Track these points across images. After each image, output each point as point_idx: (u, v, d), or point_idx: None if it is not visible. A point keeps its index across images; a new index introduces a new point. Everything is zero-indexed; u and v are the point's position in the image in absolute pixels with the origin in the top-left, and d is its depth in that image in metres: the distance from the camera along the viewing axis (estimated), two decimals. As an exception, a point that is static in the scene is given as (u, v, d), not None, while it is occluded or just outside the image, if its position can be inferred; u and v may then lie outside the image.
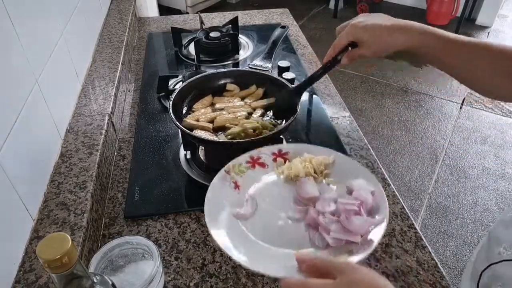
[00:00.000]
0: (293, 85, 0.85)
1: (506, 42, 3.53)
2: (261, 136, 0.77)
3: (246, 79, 0.94)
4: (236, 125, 0.82)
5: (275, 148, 0.70)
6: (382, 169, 0.86)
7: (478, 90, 0.66)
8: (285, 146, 0.67)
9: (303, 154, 0.68)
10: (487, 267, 0.62)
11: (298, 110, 0.78)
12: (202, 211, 0.77)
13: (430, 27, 0.64)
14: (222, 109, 0.88)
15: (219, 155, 0.79)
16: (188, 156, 0.88)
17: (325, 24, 3.88)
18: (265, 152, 0.69)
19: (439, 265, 0.67)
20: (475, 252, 0.72)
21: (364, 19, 0.67)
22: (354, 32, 0.66)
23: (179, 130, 0.80)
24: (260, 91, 0.93)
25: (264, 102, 0.90)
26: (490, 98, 0.67)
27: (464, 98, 2.76)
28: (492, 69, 0.62)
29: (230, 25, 1.36)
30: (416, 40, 0.63)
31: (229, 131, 0.80)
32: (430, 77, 2.97)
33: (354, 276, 0.42)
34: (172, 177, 0.84)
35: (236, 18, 1.37)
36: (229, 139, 0.79)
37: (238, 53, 1.29)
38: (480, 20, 3.75)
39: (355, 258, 0.50)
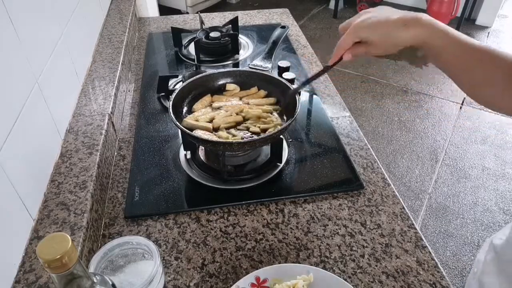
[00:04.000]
0: (293, 86, 0.85)
1: (506, 42, 3.53)
2: (261, 137, 0.77)
3: (246, 79, 0.94)
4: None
5: (252, 277, 0.62)
6: (382, 169, 0.87)
7: (476, 97, 0.63)
8: (261, 272, 0.62)
9: (281, 278, 0.62)
10: None
11: (297, 111, 0.78)
12: (202, 211, 0.77)
13: (439, 23, 0.60)
14: (219, 108, 0.88)
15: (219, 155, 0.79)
16: (188, 156, 0.88)
17: (325, 24, 3.88)
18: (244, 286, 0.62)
19: (439, 265, 0.67)
20: (479, 265, 0.72)
21: (367, 16, 0.62)
22: (359, 32, 0.62)
23: (179, 130, 0.80)
24: (262, 93, 0.93)
25: (262, 101, 0.90)
26: (487, 108, 0.64)
27: (464, 98, 2.75)
28: (496, 78, 0.58)
29: (230, 25, 1.36)
30: (425, 36, 0.59)
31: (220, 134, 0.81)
32: (430, 77, 2.97)
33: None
34: (172, 177, 0.84)
35: (236, 18, 1.37)
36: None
37: (238, 53, 1.29)
38: (480, 20, 3.75)
39: None
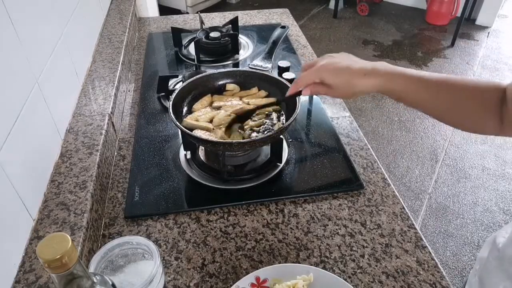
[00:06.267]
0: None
1: (506, 42, 3.52)
2: (261, 137, 0.77)
3: (246, 79, 0.94)
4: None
5: (252, 277, 0.62)
6: (382, 169, 0.87)
7: (456, 125, 0.65)
8: (261, 272, 0.63)
9: (281, 278, 0.62)
10: None
11: (297, 112, 0.78)
12: (202, 211, 0.77)
13: (396, 68, 0.64)
14: (219, 108, 0.88)
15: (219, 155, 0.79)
16: (188, 156, 0.88)
17: (325, 24, 3.88)
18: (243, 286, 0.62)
19: (439, 265, 0.67)
20: (480, 262, 0.72)
21: (332, 61, 0.67)
22: (322, 74, 0.67)
23: (179, 130, 0.80)
24: (263, 93, 0.93)
25: (262, 101, 0.90)
26: (468, 132, 0.67)
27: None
28: (467, 105, 0.61)
29: (230, 25, 1.36)
30: (384, 84, 0.63)
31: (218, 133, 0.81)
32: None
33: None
34: (172, 177, 0.84)
35: (236, 18, 1.37)
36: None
37: (238, 53, 1.29)
38: (480, 20, 3.75)
39: None
